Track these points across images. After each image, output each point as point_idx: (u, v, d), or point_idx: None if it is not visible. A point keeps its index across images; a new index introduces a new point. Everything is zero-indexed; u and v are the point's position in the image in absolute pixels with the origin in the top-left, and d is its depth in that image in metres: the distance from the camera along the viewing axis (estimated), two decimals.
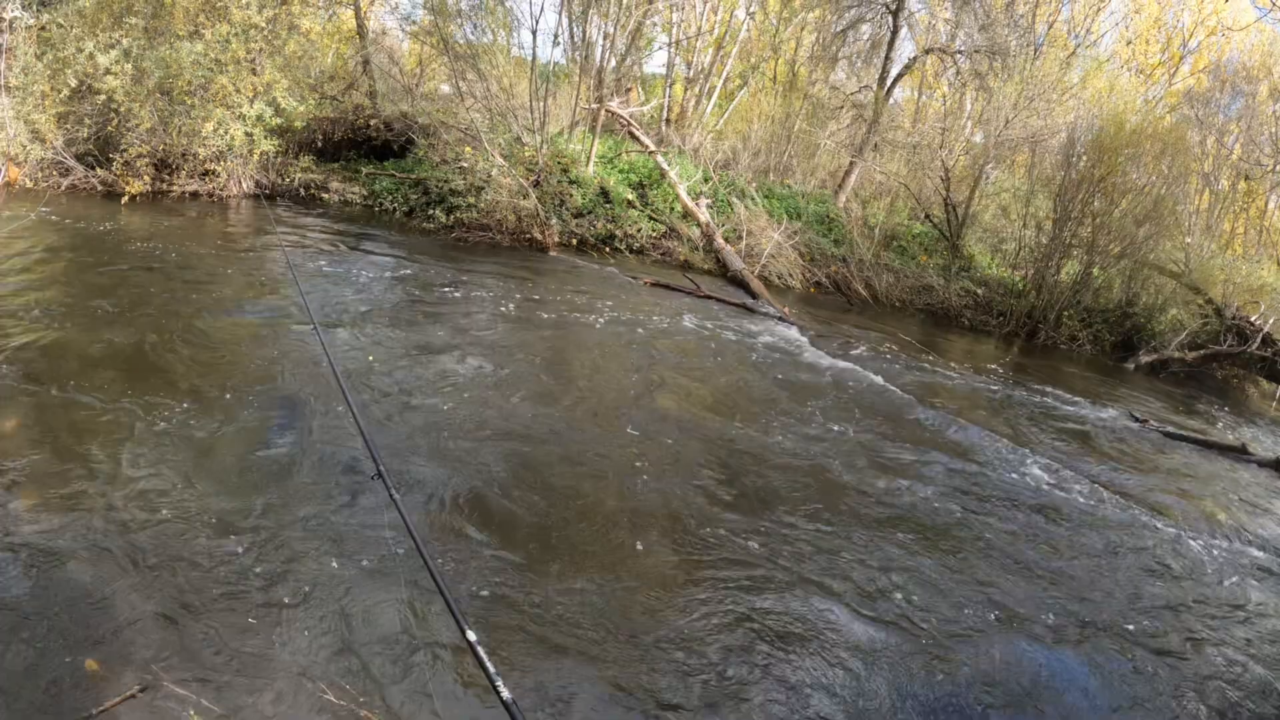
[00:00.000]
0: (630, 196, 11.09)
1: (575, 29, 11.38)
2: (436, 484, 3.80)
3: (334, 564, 3.07)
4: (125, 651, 2.53)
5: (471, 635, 1.77)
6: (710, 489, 4.21)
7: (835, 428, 5.50)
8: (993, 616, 3.49)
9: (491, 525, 3.54)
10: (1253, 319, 10.74)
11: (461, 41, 11.67)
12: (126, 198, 11.13)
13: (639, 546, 3.55)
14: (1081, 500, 4.97)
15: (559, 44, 11.29)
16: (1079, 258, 12.08)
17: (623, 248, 10.73)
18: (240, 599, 2.83)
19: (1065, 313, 11.60)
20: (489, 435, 4.43)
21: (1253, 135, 16.66)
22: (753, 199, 11.36)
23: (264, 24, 12.22)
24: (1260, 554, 4.77)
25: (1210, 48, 19.69)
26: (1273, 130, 16.29)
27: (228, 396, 4.36)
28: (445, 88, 12.78)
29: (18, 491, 3.26)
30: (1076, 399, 7.86)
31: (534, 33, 12.47)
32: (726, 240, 10.80)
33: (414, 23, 12.59)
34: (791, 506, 4.15)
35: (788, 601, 3.31)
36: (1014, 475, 5.20)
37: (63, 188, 11.23)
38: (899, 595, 3.51)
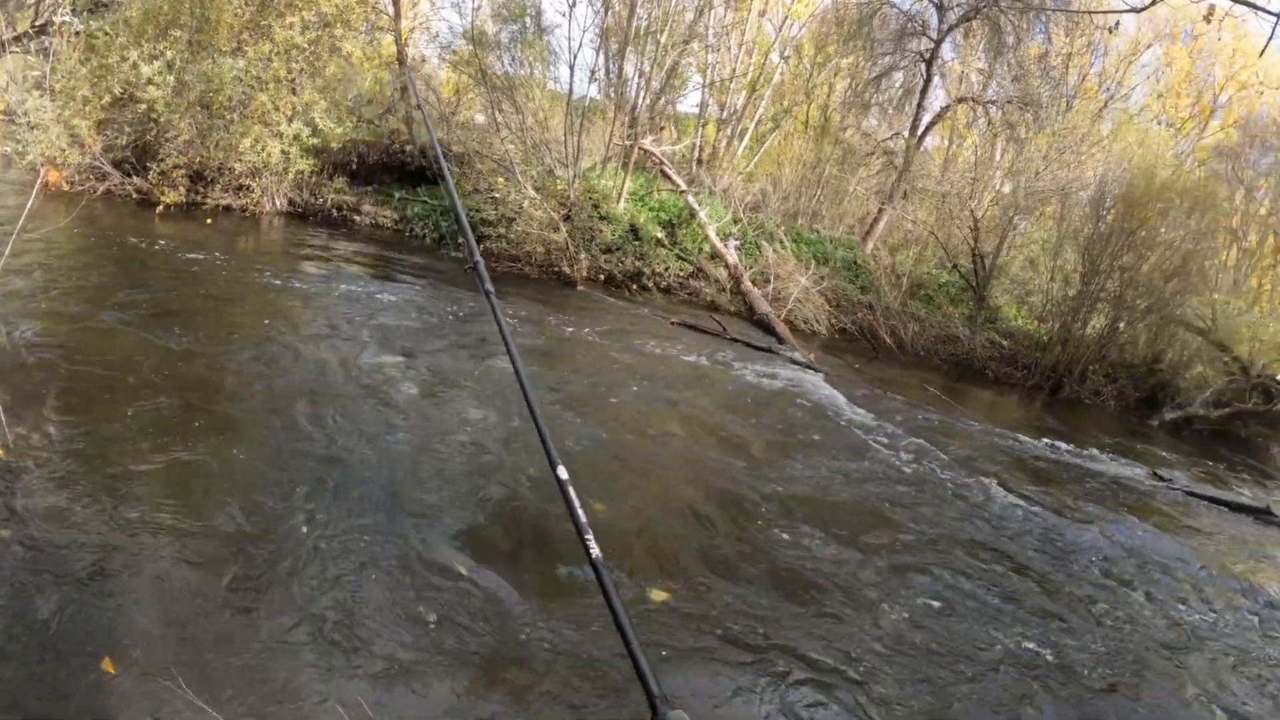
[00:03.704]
0: (660, 235, 11.15)
1: (611, 66, 11.52)
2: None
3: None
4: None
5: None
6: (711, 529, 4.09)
7: (845, 470, 5.45)
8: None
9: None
10: (1278, 377, 10.66)
11: (499, 73, 11.82)
12: (161, 207, 11.25)
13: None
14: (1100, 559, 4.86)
15: (595, 80, 11.44)
16: (1105, 312, 12.00)
17: (650, 286, 10.76)
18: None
19: (1090, 367, 11.51)
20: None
21: None
22: (781, 242, 11.41)
23: (306, 45, 12.32)
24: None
25: (1241, 102, 19.71)
26: None
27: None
28: (480, 117, 12.95)
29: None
30: (1099, 454, 7.79)
31: (571, 68, 12.57)
32: (754, 283, 10.83)
33: (453, 52, 12.79)
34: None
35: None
36: (1025, 529, 5.10)
37: (98, 193, 11.32)
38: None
